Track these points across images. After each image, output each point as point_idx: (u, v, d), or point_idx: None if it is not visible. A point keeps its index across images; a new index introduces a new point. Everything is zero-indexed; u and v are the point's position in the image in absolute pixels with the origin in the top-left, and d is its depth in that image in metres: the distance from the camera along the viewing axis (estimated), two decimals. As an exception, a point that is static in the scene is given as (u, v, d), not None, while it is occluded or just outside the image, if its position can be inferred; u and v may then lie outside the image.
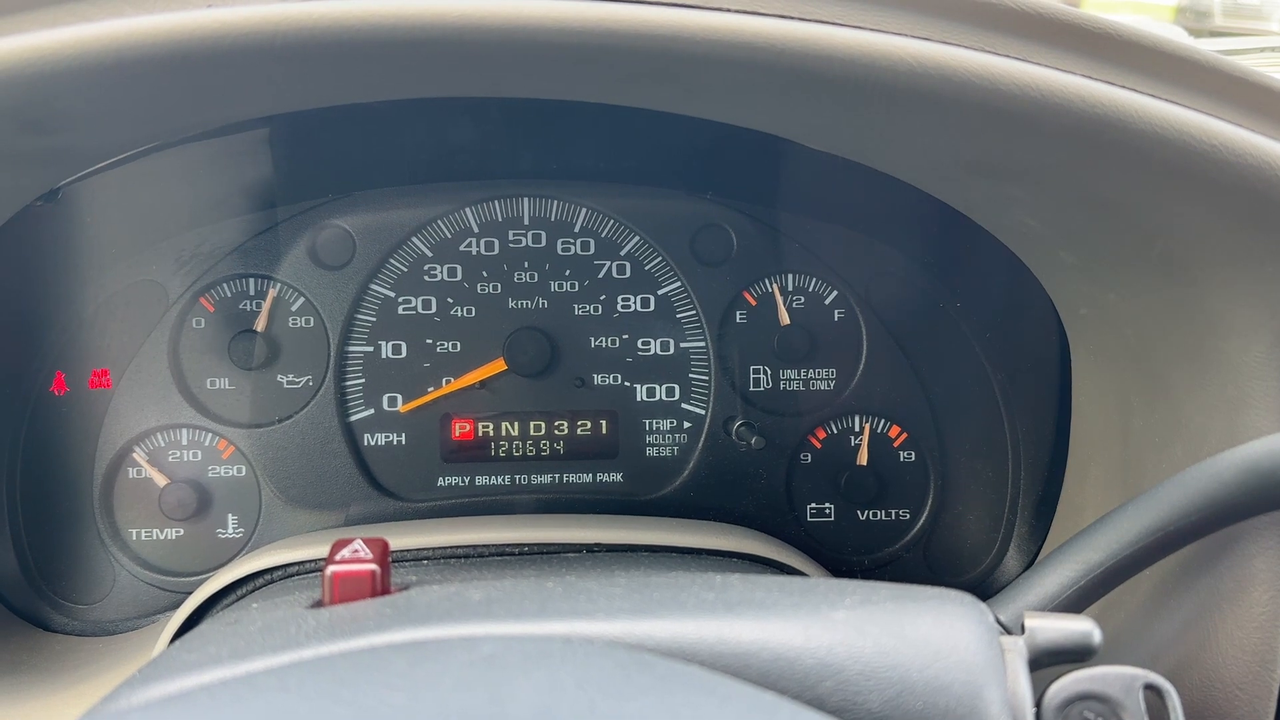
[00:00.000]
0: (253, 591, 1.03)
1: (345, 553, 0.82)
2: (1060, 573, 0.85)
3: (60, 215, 1.12)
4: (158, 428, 1.32)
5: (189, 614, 1.01)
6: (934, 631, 0.69)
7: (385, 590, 0.82)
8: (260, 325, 1.32)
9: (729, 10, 0.76)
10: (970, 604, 0.72)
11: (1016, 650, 0.72)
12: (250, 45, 0.75)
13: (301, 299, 1.33)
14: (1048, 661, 0.74)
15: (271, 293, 1.32)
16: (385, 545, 0.84)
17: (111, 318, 1.30)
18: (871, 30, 0.79)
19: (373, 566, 0.81)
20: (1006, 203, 1.00)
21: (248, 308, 1.33)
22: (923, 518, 1.40)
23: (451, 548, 1.04)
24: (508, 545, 1.05)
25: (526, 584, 0.79)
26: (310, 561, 1.03)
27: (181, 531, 1.32)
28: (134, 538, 1.32)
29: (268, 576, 1.03)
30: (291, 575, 1.03)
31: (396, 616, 0.69)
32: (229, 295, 1.33)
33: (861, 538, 1.40)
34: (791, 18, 0.75)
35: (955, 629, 0.69)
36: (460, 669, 0.57)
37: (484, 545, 1.04)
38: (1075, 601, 0.84)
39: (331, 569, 0.80)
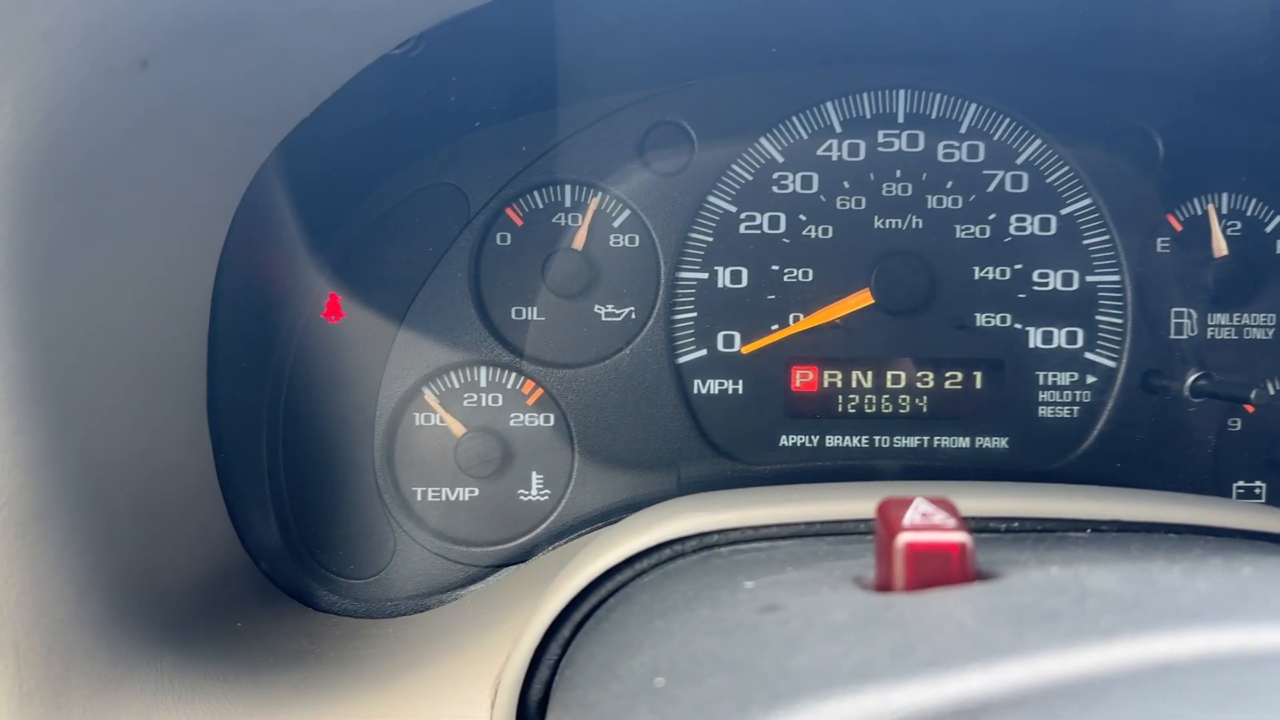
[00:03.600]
0: (653, 567, 0.78)
1: (913, 517, 0.57)
2: None
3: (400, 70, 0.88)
4: (452, 365, 1.08)
5: (582, 587, 0.76)
6: None
7: (973, 575, 0.56)
8: (578, 243, 1.08)
9: None
10: None
11: None
12: None
13: (627, 212, 1.09)
14: None
15: (593, 203, 1.08)
16: (955, 508, 0.58)
17: (400, 229, 1.07)
18: None
19: (961, 538, 0.56)
20: None
21: (562, 221, 1.08)
22: (1374, 502, 1.12)
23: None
24: (1003, 519, 0.78)
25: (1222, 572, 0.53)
26: (741, 530, 0.77)
27: (476, 492, 1.09)
28: (419, 498, 1.09)
29: (677, 547, 0.78)
30: (712, 545, 0.77)
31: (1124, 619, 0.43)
32: (541, 206, 1.08)
33: (1298, 525, 1.12)
34: None
35: None
36: None
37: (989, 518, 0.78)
38: None
39: (906, 538, 0.55)
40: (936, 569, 0.56)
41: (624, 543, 0.78)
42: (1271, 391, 1.12)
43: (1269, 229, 1.10)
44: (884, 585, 0.57)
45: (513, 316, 1.09)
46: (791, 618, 0.54)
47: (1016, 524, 0.78)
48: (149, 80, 0.62)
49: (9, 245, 0.61)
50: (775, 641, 0.51)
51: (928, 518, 0.57)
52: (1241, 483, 1.12)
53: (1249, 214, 1.10)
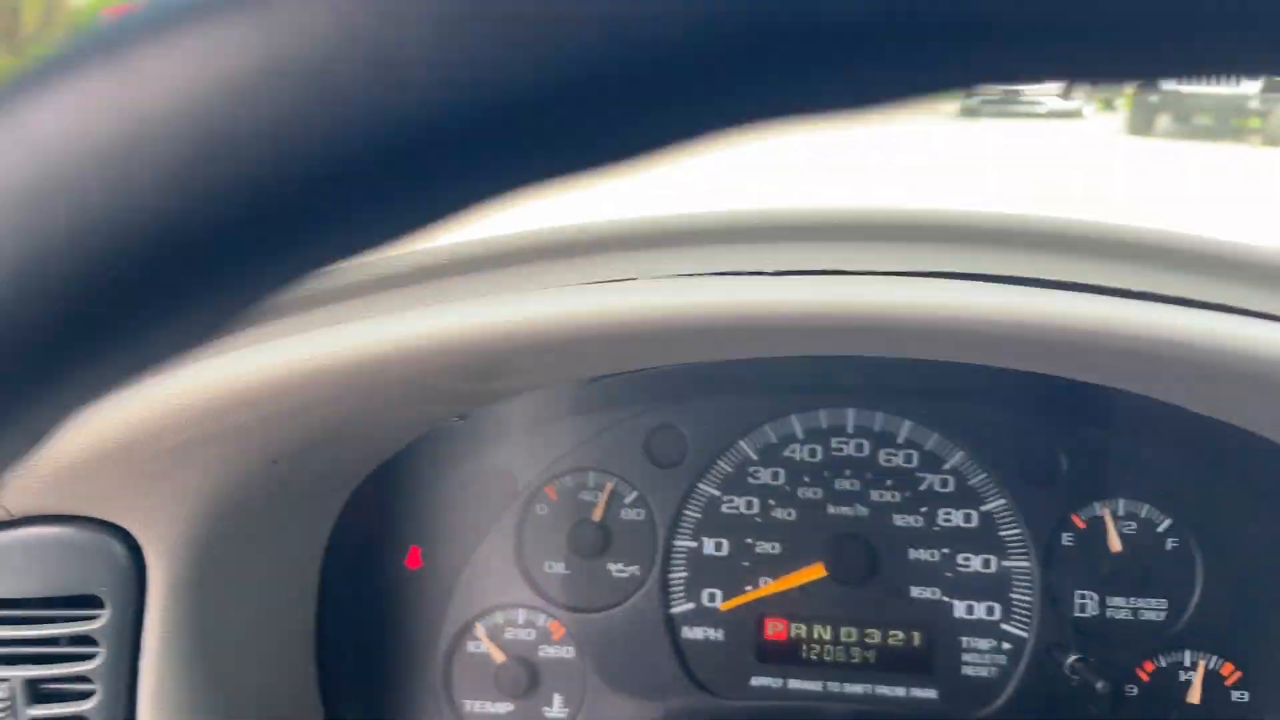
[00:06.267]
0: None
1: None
2: None
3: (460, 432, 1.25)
4: (498, 606, 1.42)
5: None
6: None
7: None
8: (597, 515, 1.41)
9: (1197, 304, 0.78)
10: None
11: None
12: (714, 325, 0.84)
13: (635, 493, 1.41)
14: None
15: (609, 486, 1.42)
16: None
17: (465, 500, 1.42)
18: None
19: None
20: None
21: (587, 498, 1.42)
22: (1259, 766, 1.31)
23: None
24: None
25: None
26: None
27: (511, 708, 1.41)
28: (467, 709, 1.41)
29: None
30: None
31: None
32: (570, 486, 1.43)
33: (1191, 781, 1.32)
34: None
35: None
36: None
37: None
38: None
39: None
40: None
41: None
42: (1163, 664, 1.34)
43: (1159, 529, 1.35)
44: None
45: (545, 570, 1.42)
46: None
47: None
48: (275, 468, 1.00)
49: (185, 584, 0.98)
50: None
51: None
52: (1139, 742, 1.34)
53: (1142, 516, 1.35)
